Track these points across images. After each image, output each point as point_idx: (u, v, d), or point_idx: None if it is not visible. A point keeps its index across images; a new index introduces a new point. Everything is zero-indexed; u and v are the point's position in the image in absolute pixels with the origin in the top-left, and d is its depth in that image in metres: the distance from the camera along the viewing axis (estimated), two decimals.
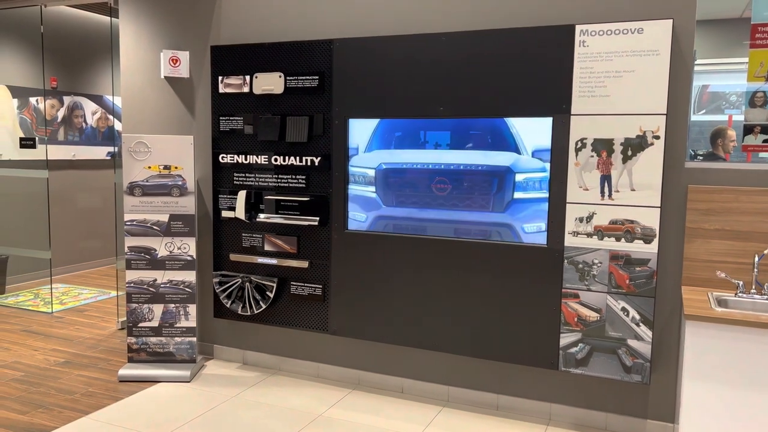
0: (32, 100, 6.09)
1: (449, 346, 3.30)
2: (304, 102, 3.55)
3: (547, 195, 3.09)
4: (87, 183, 6.69)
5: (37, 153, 6.05)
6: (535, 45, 3.00)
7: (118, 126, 6.98)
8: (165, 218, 3.74)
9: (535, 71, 3.01)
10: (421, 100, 3.26)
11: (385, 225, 3.39)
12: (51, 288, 5.65)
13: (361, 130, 3.43)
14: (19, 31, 5.92)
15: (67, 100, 6.44)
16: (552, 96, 2.99)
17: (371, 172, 3.39)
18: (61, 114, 6.39)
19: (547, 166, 3.06)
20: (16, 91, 5.94)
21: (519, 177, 3.16)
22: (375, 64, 3.35)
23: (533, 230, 3.14)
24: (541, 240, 3.10)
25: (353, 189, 3.42)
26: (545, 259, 3.07)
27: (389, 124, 3.34)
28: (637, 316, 2.90)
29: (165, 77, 4.04)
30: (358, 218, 3.45)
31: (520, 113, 3.07)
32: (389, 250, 3.40)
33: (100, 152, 6.86)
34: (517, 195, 3.18)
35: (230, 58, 3.72)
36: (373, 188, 3.39)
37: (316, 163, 3.54)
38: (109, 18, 6.74)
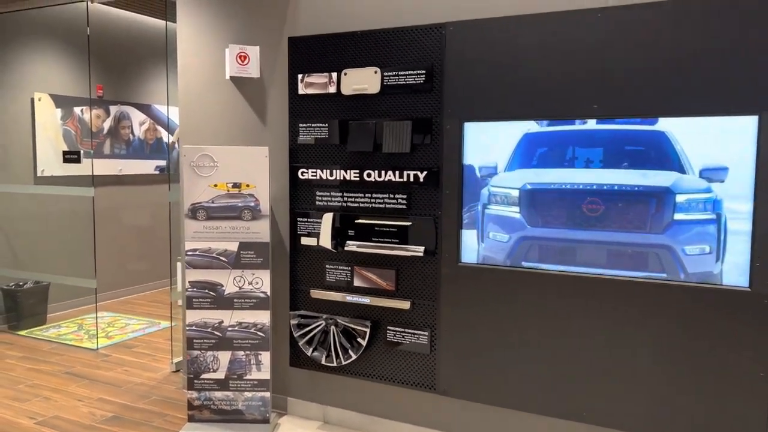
0: (77, 110, 5.55)
1: (607, 418, 2.53)
2: (405, 103, 2.85)
3: (713, 216, 2.34)
4: (134, 200, 6.13)
5: (82, 168, 5.49)
6: (734, 16, 2.24)
7: (167, 137, 6.41)
8: (234, 247, 3.08)
9: (734, 51, 2.25)
10: (565, 96, 2.52)
11: (530, 246, 2.66)
12: (96, 320, 5.05)
13: (495, 145, 2.71)
14: (63, 33, 5.40)
15: (113, 109, 5.89)
16: (762, 86, 2.22)
17: (515, 193, 2.67)
18: (107, 125, 5.84)
19: (714, 186, 2.34)
20: (60, 101, 5.41)
21: (680, 198, 2.43)
22: (501, 52, 2.63)
23: (695, 252, 2.43)
24: (734, 278, 2.32)
25: (493, 210, 2.71)
26: (748, 308, 2.28)
27: (532, 139, 2.63)
28: None
29: (231, 77, 3.40)
30: (499, 238, 2.73)
31: (708, 110, 2.30)
32: (519, 288, 2.65)
33: (149, 166, 6.30)
34: (678, 216, 2.44)
35: (312, 52, 3.05)
36: (516, 208, 2.67)
37: (421, 179, 2.83)
38: (163, 21, 6.19)
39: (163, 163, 6.38)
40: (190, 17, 3.50)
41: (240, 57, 3.34)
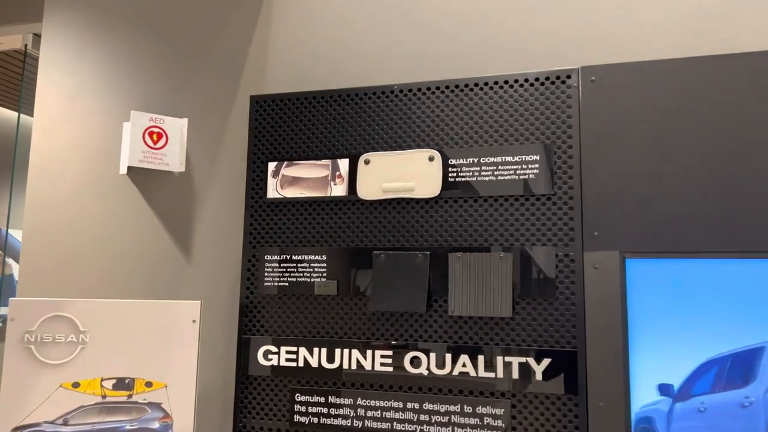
0: None
1: None
2: (495, 218, 1.43)
3: None
4: None
5: None
6: None
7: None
8: None
9: None
10: None
11: None
12: None
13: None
14: None
15: None
16: None
17: None
18: None
19: None
20: None
21: None
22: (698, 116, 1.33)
23: None
24: None
25: None
26: None
27: None
28: None
29: (130, 171, 1.87)
30: None
31: None
32: None
33: None
34: None
35: (298, 122, 1.61)
36: None
37: (537, 374, 1.35)
38: (12, 113, 4.56)
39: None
40: (53, 67, 1.98)
41: (150, 134, 1.83)
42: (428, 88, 1.52)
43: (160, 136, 1.84)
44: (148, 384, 1.47)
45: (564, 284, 1.37)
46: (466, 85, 1.49)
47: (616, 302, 1.33)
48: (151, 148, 1.83)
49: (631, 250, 1.34)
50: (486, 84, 1.47)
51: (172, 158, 1.84)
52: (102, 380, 1.46)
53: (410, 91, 1.53)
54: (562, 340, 1.35)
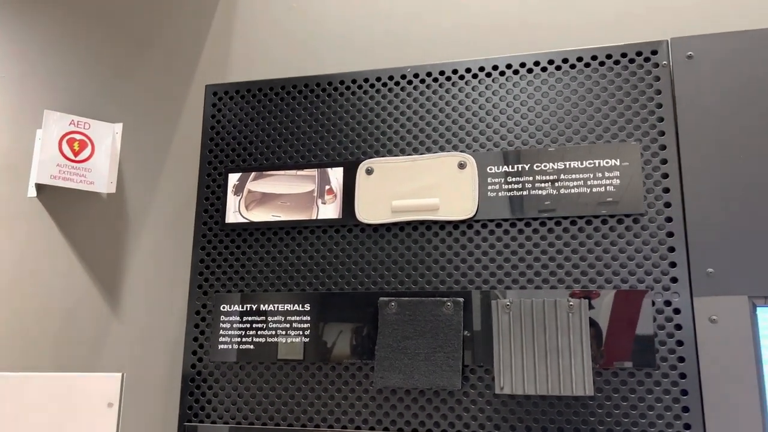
0: None
1: None
2: (555, 248, 0.99)
3: None
4: None
5: None
6: None
7: None
8: None
9: None
10: None
11: None
12: None
13: None
14: None
15: None
16: None
17: None
18: None
19: None
20: None
21: None
22: None
23: None
24: None
25: None
26: None
27: None
28: None
29: (40, 192, 1.39)
30: None
31: None
32: None
33: None
34: None
35: (269, 118, 1.17)
36: None
37: None
38: None
39: None
40: None
41: (70, 143, 1.36)
42: (454, 71, 1.10)
43: (83, 145, 1.37)
44: None
45: (667, 345, 0.92)
46: (509, 66, 1.07)
47: (747, 371, 0.89)
48: (71, 160, 1.36)
49: (764, 295, 0.91)
50: (537, 64, 1.06)
51: (99, 174, 1.36)
52: None
53: (429, 75, 1.11)
54: (670, 431, 0.90)
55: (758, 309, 0.92)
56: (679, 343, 0.92)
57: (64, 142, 1.36)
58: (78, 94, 1.43)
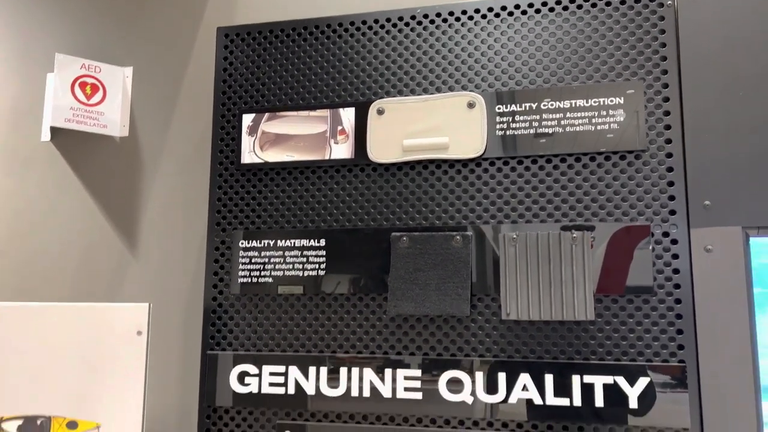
0: None
1: None
2: (560, 185, 1.04)
3: None
4: None
5: None
6: None
7: None
8: None
9: None
10: None
11: None
12: None
13: None
14: None
15: None
16: None
17: None
18: None
19: None
20: None
21: None
22: None
23: None
24: None
25: None
26: None
27: None
28: None
29: (54, 136, 1.41)
30: None
31: None
32: None
33: None
34: None
35: (282, 59, 1.19)
36: None
37: (632, 400, 0.96)
38: None
39: None
40: None
41: (83, 86, 1.38)
42: (464, 12, 1.12)
43: (95, 88, 1.40)
44: (72, 425, 1.02)
45: (664, 274, 0.98)
46: (517, 6, 1.10)
47: (738, 297, 0.95)
48: (84, 104, 1.38)
49: (757, 225, 0.97)
50: (544, 4, 1.08)
51: (112, 118, 1.39)
52: (2, 421, 1.01)
53: (438, 15, 1.13)
54: (664, 352, 0.97)
55: (751, 238, 0.97)
56: (676, 271, 0.98)
57: (76, 86, 1.38)
58: (87, 38, 1.44)
